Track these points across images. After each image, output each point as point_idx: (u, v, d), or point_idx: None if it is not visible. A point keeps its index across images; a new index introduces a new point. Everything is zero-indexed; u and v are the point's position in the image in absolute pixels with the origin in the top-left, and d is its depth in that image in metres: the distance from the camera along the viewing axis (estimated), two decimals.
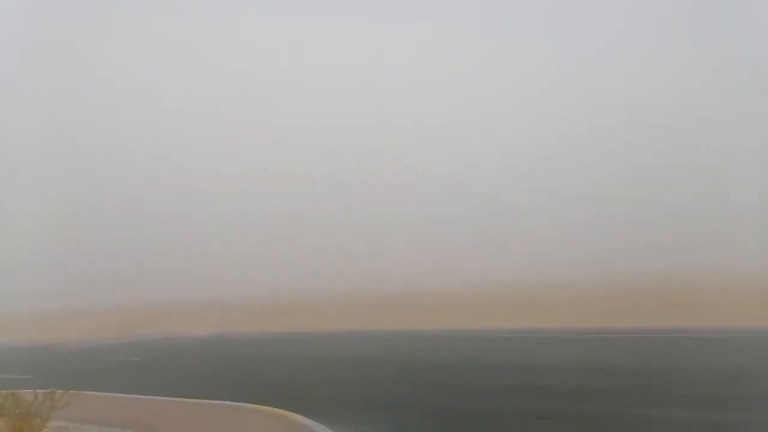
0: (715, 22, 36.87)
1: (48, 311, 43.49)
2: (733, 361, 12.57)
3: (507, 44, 45.17)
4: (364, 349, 20.41)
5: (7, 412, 8.62)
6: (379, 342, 22.53)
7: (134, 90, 51.63)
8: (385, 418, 9.48)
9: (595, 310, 24.44)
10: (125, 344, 28.44)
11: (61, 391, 8.77)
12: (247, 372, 16.30)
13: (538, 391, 10.86)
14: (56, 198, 51.14)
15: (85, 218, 52.43)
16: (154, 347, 26.38)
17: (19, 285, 45.20)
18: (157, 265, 49.09)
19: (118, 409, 11.16)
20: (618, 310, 23.65)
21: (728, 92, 35.76)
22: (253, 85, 50.20)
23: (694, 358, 13.47)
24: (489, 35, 46.42)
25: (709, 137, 35.65)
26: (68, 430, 9.08)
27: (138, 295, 45.26)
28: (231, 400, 11.04)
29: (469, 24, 48.46)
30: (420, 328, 25.50)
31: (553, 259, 36.14)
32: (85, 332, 34.11)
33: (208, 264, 48.87)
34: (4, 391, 9.24)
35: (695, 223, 32.09)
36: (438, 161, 45.75)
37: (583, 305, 25.62)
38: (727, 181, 32.14)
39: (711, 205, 31.72)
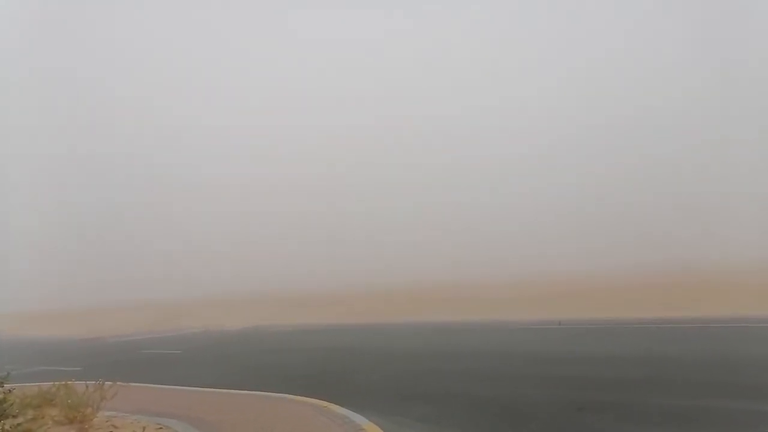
0: (719, 23, 37.70)
1: (88, 308, 45.10)
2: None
3: (512, 43, 45.46)
4: (396, 341, 20.59)
5: (61, 402, 9.08)
6: (411, 333, 22.68)
7: (143, 97, 52.77)
8: (417, 407, 9.60)
9: (627, 299, 24.20)
10: (165, 338, 29.26)
11: (110, 382, 9.18)
12: (283, 363, 16.63)
13: (576, 381, 10.84)
14: (104, 203, 53.10)
15: (121, 221, 54.21)
16: (193, 340, 27.09)
17: (61, 284, 47.13)
18: (187, 263, 50.67)
19: (162, 400, 11.56)
20: (647, 299, 23.55)
21: (729, 90, 36.31)
22: (267, 91, 50.92)
23: (728, 347, 13.25)
24: (496, 33, 46.57)
25: (712, 133, 36.33)
26: (117, 419, 9.46)
27: (172, 291, 46.56)
28: (270, 391, 11.33)
29: (477, 22, 48.62)
30: (451, 320, 25.59)
31: (587, 250, 36.02)
32: (124, 327, 35.15)
33: (238, 261, 49.89)
34: (57, 383, 9.72)
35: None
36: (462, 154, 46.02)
37: (614, 296, 25.49)
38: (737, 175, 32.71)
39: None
